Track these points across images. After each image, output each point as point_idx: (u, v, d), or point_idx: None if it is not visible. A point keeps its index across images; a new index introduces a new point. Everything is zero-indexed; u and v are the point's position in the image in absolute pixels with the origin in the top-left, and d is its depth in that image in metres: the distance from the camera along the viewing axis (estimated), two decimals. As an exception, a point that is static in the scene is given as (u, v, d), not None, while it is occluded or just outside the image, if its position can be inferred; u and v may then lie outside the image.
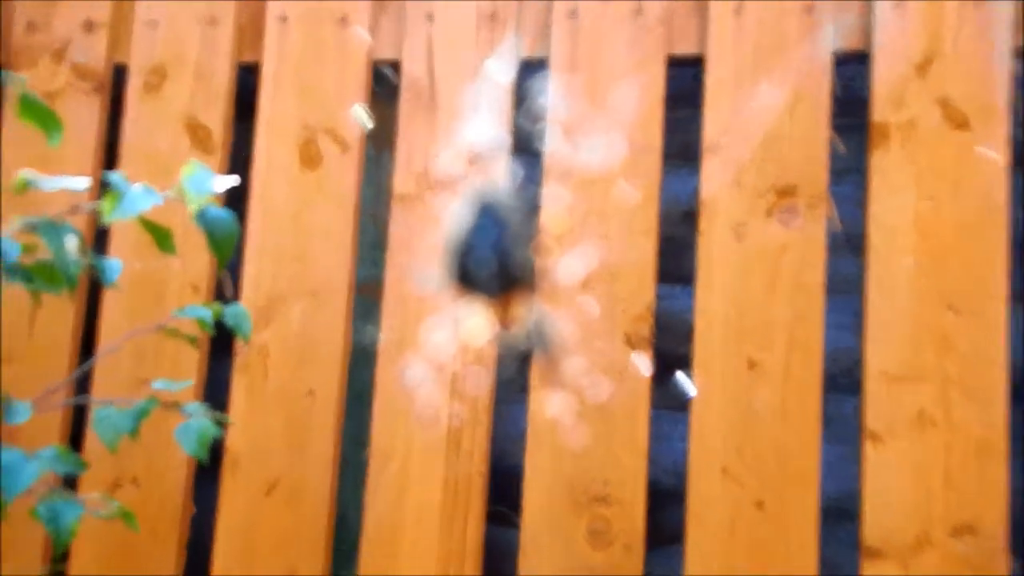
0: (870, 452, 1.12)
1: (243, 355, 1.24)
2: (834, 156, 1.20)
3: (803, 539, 1.12)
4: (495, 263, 0.56)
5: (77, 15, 1.33)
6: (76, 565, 1.27)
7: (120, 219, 0.81)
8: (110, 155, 1.34)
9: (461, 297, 0.57)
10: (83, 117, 1.32)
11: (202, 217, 0.85)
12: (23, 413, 0.90)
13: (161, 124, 1.30)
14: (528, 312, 0.58)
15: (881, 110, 1.16)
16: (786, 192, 1.18)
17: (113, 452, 0.91)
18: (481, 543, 1.19)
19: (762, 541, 1.12)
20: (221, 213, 0.86)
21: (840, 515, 1.18)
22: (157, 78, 1.31)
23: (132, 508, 1.22)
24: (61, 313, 1.30)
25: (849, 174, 1.23)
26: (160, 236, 0.97)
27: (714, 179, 1.19)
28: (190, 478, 1.27)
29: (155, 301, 1.27)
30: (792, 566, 1.11)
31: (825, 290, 1.16)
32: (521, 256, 0.56)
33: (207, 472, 1.25)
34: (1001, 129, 1.12)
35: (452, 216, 0.58)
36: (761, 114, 1.19)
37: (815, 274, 1.16)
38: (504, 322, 0.57)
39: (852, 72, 1.24)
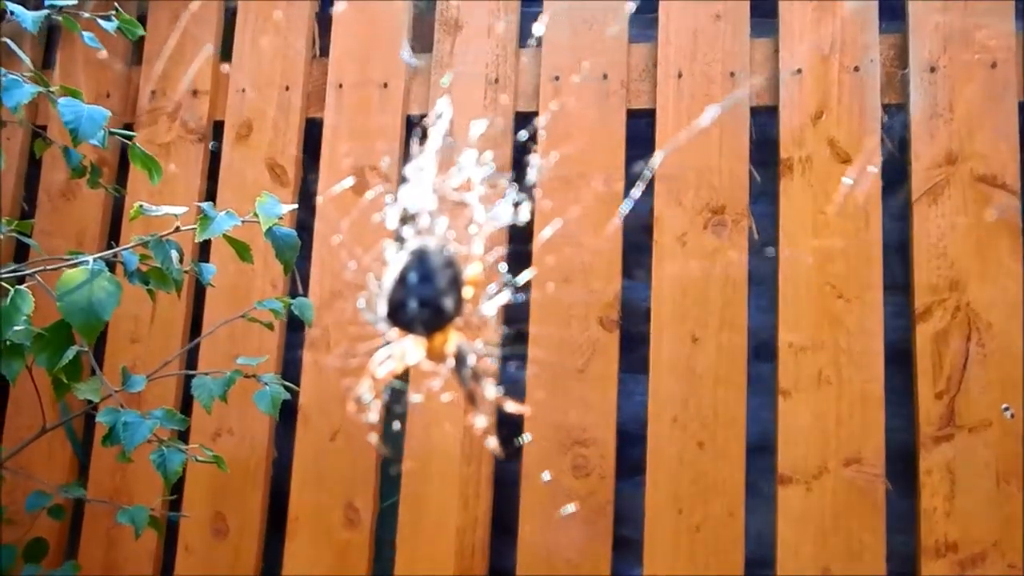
0: (781, 404, 1.20)
1: (311, 336, 1.33)
2: (752, 183, 1.29)
3: (734, 469, 1.19)
4: (424, 306, 0.51)
5: (186, 85, 1.41)
6: (187, 499, 1.34)
7: (209, 237, 0.85)
8: (211, 188, 1.41)
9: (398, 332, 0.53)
10: (190, 161, 1.40)
11: (271, 234, 0.89)
12: (139, 383, 0.93)
13: (248, 164, 1.37)
14: (453, 347, 0.53)
15: (786, 148, 1.25)
16: (717, 210, 1.27)
17: (208, 412, 0.96)
18: (492, 474, 1.27)
19: (704, 471, 1.20)
20: (285, 231, 0.90)
21: (761, 451, 1.25)
22: (245, 130, 1.39)
23: (228, 453, 1.31)
24: (174, 306, 1.37)
25: (764, 196, 1.32)
26: (240, 249, 1.02)
27: (663, 200, 1.28)
28: (272, 430, 1.34)
29: (244, 296, 1.34)
30: (726, 490, 1.20)
31: (748, 282, 1.24)
32: (446, 300, 0.51)
33: (286, 424, 1.33)
34: (874, 161, 1.20)
35: (393, 263, 0.53)
36: (697, 152, 1.28)
37: (740, 271, 1.24)
38: (433, 355, 0.54)
39: (764, 121, 1.31)
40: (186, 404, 1.36)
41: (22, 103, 0.93)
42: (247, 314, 1.07)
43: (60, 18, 1.06)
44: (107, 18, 1.03)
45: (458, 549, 1.24)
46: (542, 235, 1.28)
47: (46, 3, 1.08)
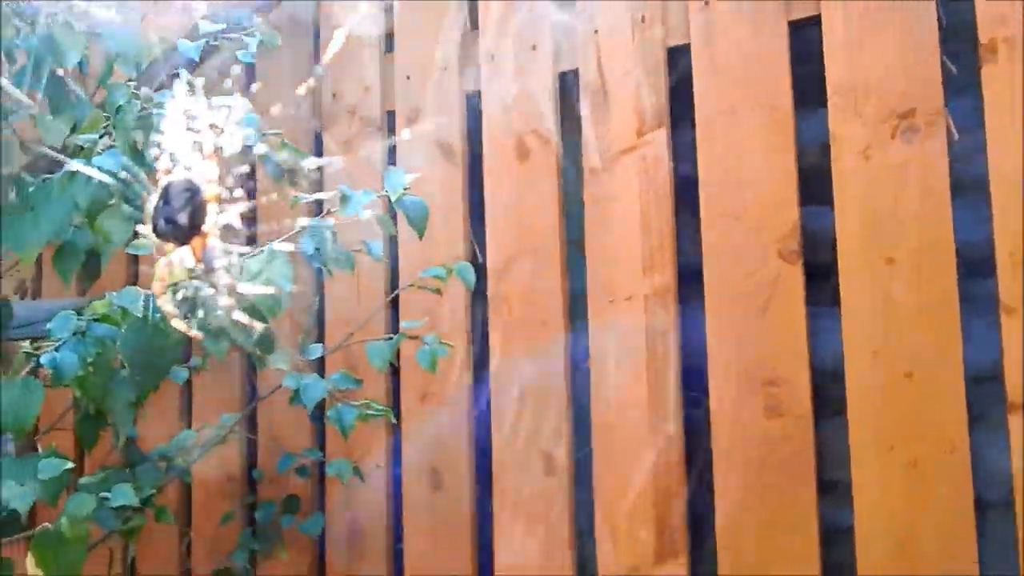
0: (1005, 322, 0.93)
1: (495, 299, 1.21)
2: (946, 77, 0.99)
3: (951, 399, 0.94)
4: (169, 222, 0.54)
5: (359, 83, 1.34)
6: (405, 457, 1.27)
7: (349, 215, 0.80)
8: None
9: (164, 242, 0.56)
10: (370, 150, 1.32)
11: (400, 203, 0.83)
12: (316, 351, 0.94)
13: (419, 146, 1.28)
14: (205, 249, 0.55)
15: (986, 30, 0.95)
16: (905, 115, 0.99)
17: (380, 371, 0.92)
18: (681, 421, 1.08)
19: (915, 405, 0.96)
20: (413, 200, 0.83)
21: (980, 379, 0.98)
22: (415, 115, 1.30)
23: (433, 415, 1.25)
24: (375, 280, 1.27)
25: (963, 91, 1.01)
26: (416, 221, 0.96)
27: (838, 115, 1.02)
28: (469, 391, 1.23)
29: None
30: (944, 423, 0.95)
31: (951, 191, 0.97)
32: (184, 215, 0.53)
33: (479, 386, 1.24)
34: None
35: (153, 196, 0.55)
36: (874, 53, 1.01)
37: (939, 179, 0.97)
38: (196, 258, 0.55)
39: (954, 2, 1.01)
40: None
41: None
42: (415, 283, 1.00)
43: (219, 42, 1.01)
44: (251, 35, 0.96)
45: (654, 498, 1.08)
46: (706, 173, 1.07)
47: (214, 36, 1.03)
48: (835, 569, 1.01)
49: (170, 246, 0.54)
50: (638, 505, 1.09)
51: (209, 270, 0.54)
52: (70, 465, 0.79)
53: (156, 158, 0.52)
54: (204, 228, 0.53)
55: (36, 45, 0.83)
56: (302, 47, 1.38)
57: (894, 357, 0.97)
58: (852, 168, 1.01)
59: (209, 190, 0.53)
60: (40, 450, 0.98)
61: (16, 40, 0.84)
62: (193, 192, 0.53)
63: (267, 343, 0.93)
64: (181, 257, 0.53)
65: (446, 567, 1.20)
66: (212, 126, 0.52)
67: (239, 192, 0.53)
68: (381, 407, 0.99)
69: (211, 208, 0.53)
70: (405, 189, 0.84)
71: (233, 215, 0.53)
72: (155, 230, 0.53)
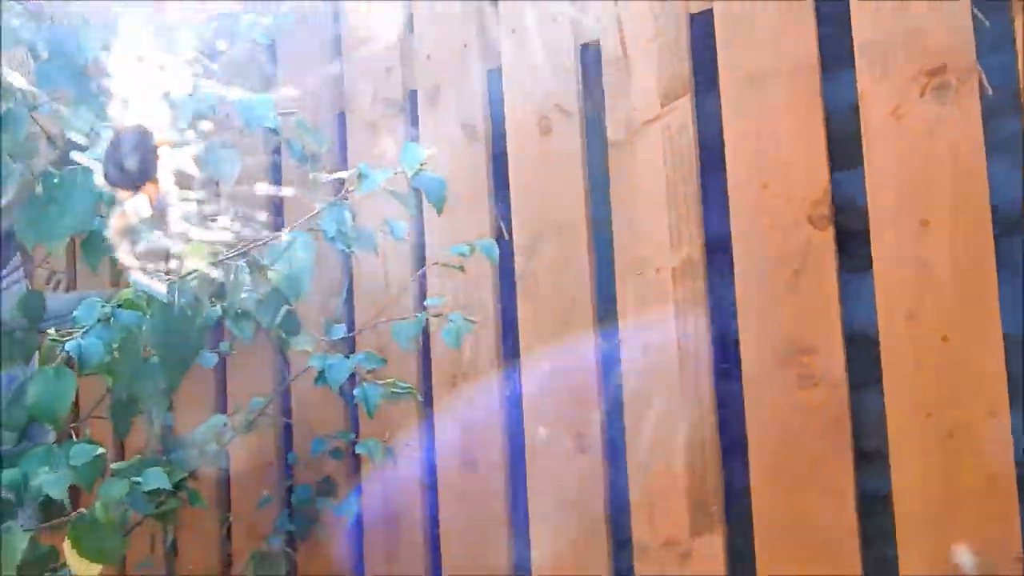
0: None
1: (522, 276, 1.20)
2: (979, 31, 0.96)
3: (991, 362, 0.91)
4: (119, 168, 0.52)
5: (381, 64, 1.32)
6: (439, 439, 1.26)
7: (366, 192, 0.80)
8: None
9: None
10: (395, 129, 1.32)
11: (418, 180, 0.83)
12: (339, 331, 0.97)
13: (441, 124, 1.27)
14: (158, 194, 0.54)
15: None
16: (936, 71, 0.96)
17: (406, 351, 0.92)
18: (713, 393, 1.07)
19: (952, 369, 0.93)
20: (431, 176, 0.83)
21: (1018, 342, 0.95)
22: (437, 94, 1.28)
23: (464, 397, 1.25)
24: (402, 262, 1.28)
25: (997, 44, 0.98)
26: (435, 197, 0.94)
27: (866, 73, 0.99)
28: (499, 372, 1.23)
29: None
30: (983, 387, 0.92)
31: (986, 150, 0.94)
32: (132, 161, 0.52)
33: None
34: None
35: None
36: (903, 8, 0.98)
37: (973, 137, 0.93)
38: (151, 204, 0.53)
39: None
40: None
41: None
42: (439, 261, 1.00)
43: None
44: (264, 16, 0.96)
45: (689, 471, 1.07)
46: (732, 141, 1.05)
47: None
48: (874, 539, 0.99)
49: (125, 194, 0.52)
50: (672, 479, 1.08)
51: (162, 216, 0.52)
52: (101, 451, 0.80)
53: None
54: (156, 175, 0.51)
55: (55, 40, 0.84)
56: (323, 30, 1.38)
57: (930, 321, 0.94)
58: (882, 128, 0.98)
59: (160, 136, 0.51)
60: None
61: (35, 37, 0.85)
62: (143, 138, 0.51)
63: (292, 325, 0.94)
64: (136, 205, 0.52)
65: (481, 547, 1.20)
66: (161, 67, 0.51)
67: (189, 136, 0.52)
68: (406, 386, 0.99)
69: (164, 154, 0.51)
70: (422, 165, 0.84)
71: (186, 160, 0.51)
72: (106, 178, 0.52)
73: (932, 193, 0.95)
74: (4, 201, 0.92)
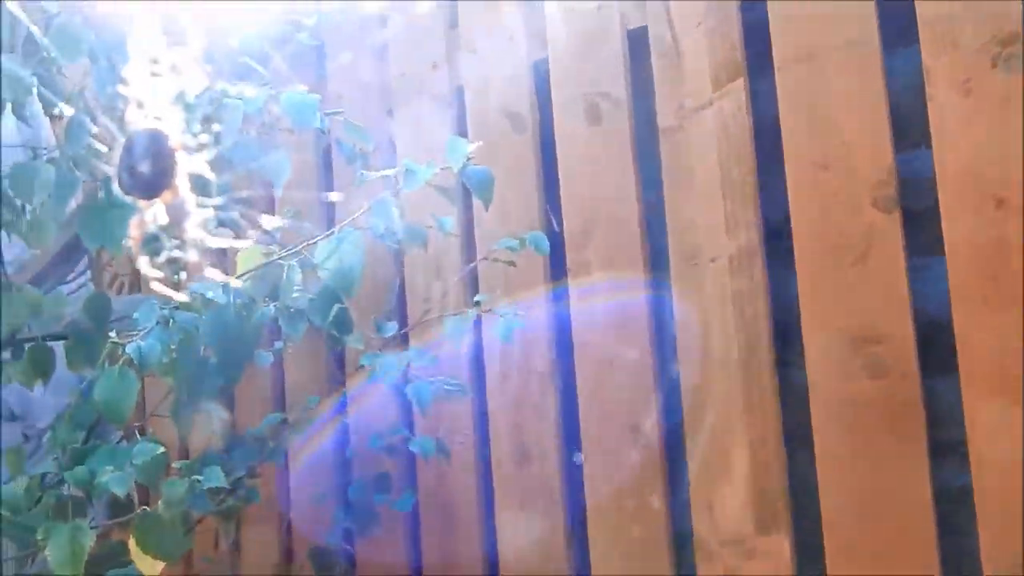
0: None
1: (574, 267, 1.18)
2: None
3: None
4: (133, 175, 0.49)
5: (427, 60, 1.32)
6: (494, 432, 1.26)
7: (412, 188, 0.80)
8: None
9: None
10: (444, 123, 1.31)
11: (464, 174, 0.82)
12: (390, 328, 0.96)
13: (488, 115, 1.25)
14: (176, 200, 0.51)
15: None
16: (1007, 40, 0.90)
17: (455, 346, 0.91)
18: (776, 385, 1.03)
19: None
20: (478, 170, 0.82)
21: None
22: (483, 87, 1.27)
23: (516, 391, 1.23)
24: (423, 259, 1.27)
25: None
26: (481, 191, 0.94)
27: (931, 47, 0.94)
28: (553, 365, 1.21)
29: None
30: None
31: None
32: (145, 167, 0.49)
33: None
34: None
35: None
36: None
37: None
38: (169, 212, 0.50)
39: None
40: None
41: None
42: (489, 255, 0.99)
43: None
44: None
45: (752, 466, 1.04)
46: (789, 122, 1.01)
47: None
48: (952, 536, 0.94)
49: (141, 202, 0.49)
50: (735, 474, 1.05)
51: (179, 224, 0.50)
52: (163, 450, 0.81)
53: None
54: (173, 180, 0.48)
55: (110, 46, 0.86)
56: (370, 30, 1.38)
57: (1008, 304, 0.89)
58: (950, 104, 0.93)
59: (176, 139, 0.48)
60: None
61: (92, 44, 0.87)
62: (159, 142, 0.48)
63: (343, 323, 0.94)
64: (154, 213, 0.49)
65: (537, 540, 1.19)
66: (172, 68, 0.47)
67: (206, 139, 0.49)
68: (457, 383, 0.99)
69: (181, 158, 0.48)
70: (468, 159, 0.82)
71: (201, 164, 0.48)
72: (120, 185, 0.49)
73: (1007, 170, 0.90)
74: (70, 207, 0.95)
